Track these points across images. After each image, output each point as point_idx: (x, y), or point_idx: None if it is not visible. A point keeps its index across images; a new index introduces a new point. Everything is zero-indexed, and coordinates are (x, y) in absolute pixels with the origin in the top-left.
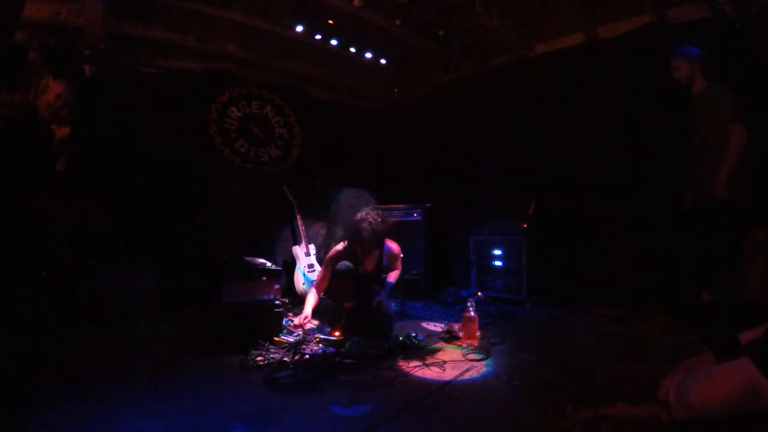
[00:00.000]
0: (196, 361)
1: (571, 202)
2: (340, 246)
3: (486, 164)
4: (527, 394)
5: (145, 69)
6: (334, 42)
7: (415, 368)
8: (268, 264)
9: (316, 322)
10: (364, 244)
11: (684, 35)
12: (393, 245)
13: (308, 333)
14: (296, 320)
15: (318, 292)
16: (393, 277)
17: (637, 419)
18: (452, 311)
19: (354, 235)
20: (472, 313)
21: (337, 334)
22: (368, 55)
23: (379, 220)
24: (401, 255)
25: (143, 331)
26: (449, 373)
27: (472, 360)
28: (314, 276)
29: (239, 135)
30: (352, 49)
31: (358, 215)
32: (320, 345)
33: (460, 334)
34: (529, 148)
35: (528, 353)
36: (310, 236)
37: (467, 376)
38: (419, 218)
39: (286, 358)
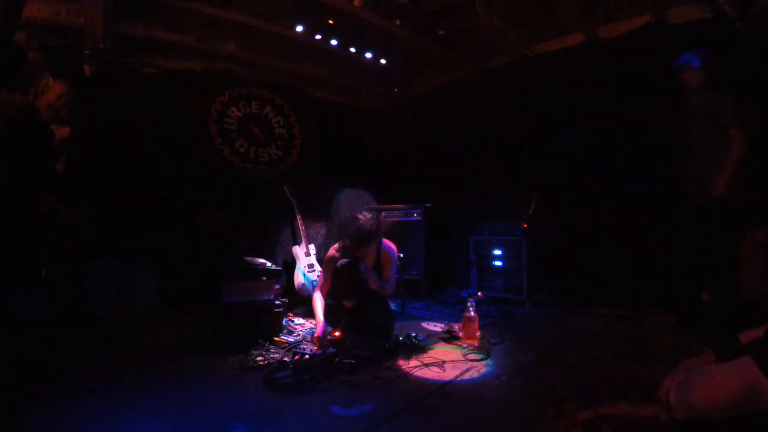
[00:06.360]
0: (196, 361)
1: (571, 202)
2: (336, 246)
3: (486, 164)
4: (527, 394)
5: (146, 69)
6: (334, 42)
7: (415, 368)
8: (268, 264)
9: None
10: (359, 241)
11: (684, 35)
12: (390, 244)
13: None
14: (318, 335)
15: (322, 295)
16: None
17: (638, 419)
18: (452, 311)
19: (347, 233)
20: (472, 313)
21: (337, 334)
22: (368, 55)
23: (371, 217)
24: (397, 261)
25: (143, 331)
26: (449, 373)
27: (472, 360)
28: (314, 276)
29: (239, 135)
30: (352, 49)
31: (350, 214)
32: None
33: (460, 334)
34: (529, 148)
35: (528, 353)
36: (310, 236)
37: (467, 376)
38: (419, 218)
39: (286, 358)
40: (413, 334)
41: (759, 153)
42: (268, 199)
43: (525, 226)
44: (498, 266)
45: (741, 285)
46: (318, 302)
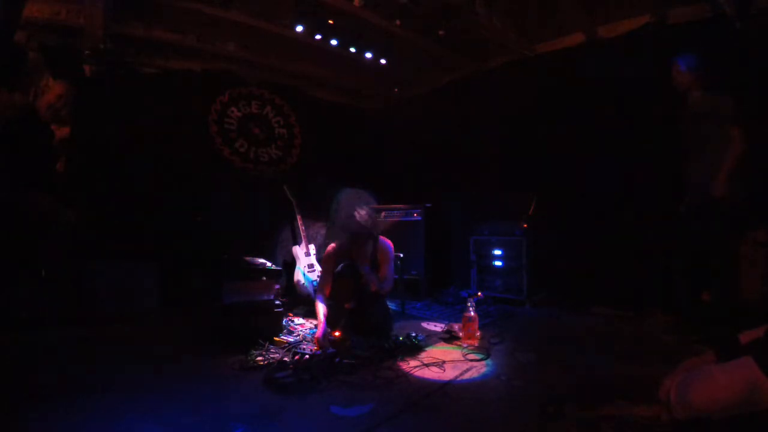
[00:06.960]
0: (196, 361)
1: (571, 201)
2: (334, 245)
3: (486, 164)
4: (527, 394)
5: (146, 69)
6: (334, 42)
7: (415, 368)
8: (268, 264)
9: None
10: (356, 238)
11: (684, 35)
12: (386, 241)
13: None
14: (318, 336)
15: (324, 296)
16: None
17: (638, 419)
18: (452, 311)
19: (345, 228)
20: (472, 313)
21: (337, 334)
22: (368, 55)
23: (366, 212)
24: (394, 258)
25: (143, 330)
26: (449, 373)
27: (472, 360)
28: (314, 276)
29: (239, 135)
30: (352, 49)
31: (347, 212)
32: None
33: (460, 334)
34: (529, 148)
35: (528, 353)
36: (310, 236)
37: (467, 376)
38: (419, 218)
39: (286, 358)
40: (413, 334)
41: (759, 153)
42: (268, 199)
43: (525, 226)
44: (498, 266)
45: (741, 285)
46: (320, 304)
